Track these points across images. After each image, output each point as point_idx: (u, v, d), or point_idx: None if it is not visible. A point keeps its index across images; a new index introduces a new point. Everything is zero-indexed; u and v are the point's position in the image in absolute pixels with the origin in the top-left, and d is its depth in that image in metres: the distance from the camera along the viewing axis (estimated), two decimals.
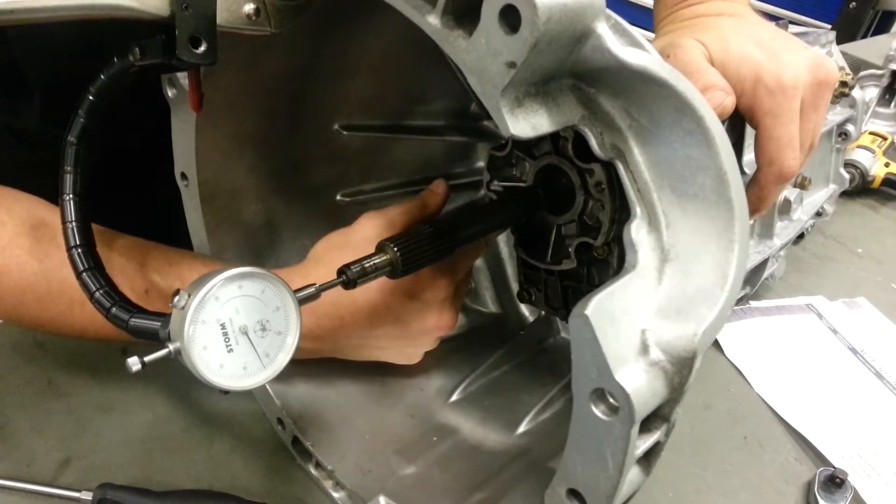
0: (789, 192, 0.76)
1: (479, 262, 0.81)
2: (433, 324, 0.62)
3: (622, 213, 0.55)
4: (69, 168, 0.49)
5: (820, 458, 0.70)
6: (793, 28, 0.83)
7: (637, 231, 0.37)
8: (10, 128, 0.73)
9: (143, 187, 0.75)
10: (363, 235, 0.60)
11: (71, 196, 0.49)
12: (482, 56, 0.33)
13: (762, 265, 0.78)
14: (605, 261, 0.58)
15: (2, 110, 0.70)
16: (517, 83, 0.33)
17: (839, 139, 0.89)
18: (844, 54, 0.93)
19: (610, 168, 0.53)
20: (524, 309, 0.80)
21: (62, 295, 0.56)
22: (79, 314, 0.52)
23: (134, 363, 0.38)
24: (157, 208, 0.65)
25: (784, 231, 0.76)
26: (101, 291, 0.47)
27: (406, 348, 0.65)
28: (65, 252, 0.47)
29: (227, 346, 0.41)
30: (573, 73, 0.36)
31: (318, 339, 0.60)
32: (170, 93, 0.58)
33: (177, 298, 0.40)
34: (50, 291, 0.56)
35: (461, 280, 0.64)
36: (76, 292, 0.47)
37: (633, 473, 0.37)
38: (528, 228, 0.62)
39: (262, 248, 0.69)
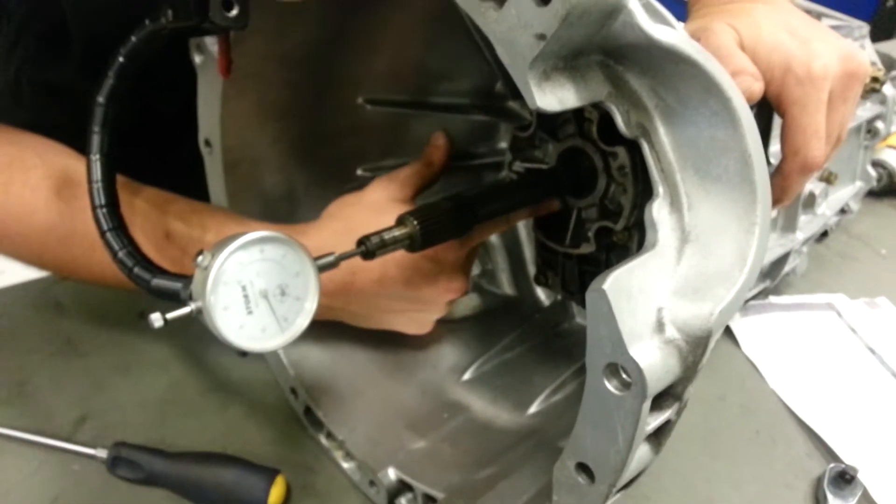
0: (814, 186, 0.75)
1: (496, 243, 0.81)
2: (444, 287, 0.61)
3: (644, 198, 0.55)
4: (97, 128, 0.50)
5: (831, 455, 0.69)
6: (826, 21, 0.81)
7: (658, 211, 0.37)
8: (47, 85, 0.75)
9: (170, 154, 0.75)
10: (375, 197, 0.61)
11: (98, 156, 0.50)
12: (512, 27, 0.32)
13: (784, 258, 0.77)
14: (624, 246, 0.57)
15: (43, 64, 0.71)
16: (546, 56, 0.33)
17: (867, 136, 0.88)
18: (879, 53, 0.91)
19: (634, 151, 0.54)
20: (540, 292, 0.80)
21: (85, 236, 0.57)
22: (100, 256, 0.53)
23: (156, 319, 0.39)
24: (183, 175, 0.66)
25: (808, 225, 0.75)
26: (123, 251, 0.48)
27: (417, 314, 0.65)
28: None
29: (247, 308, 0.42)
30: (602, 49, 0.35)
31: (328, 296, 0.59)
32: (197, 59, 0.59)
33: (200, 258, 0.40)
34: (73, 232, 0.58)
35: (473, 247, 0.64)
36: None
37: (642, 451, 0.37)
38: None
39: (282, 218, 0.70)
